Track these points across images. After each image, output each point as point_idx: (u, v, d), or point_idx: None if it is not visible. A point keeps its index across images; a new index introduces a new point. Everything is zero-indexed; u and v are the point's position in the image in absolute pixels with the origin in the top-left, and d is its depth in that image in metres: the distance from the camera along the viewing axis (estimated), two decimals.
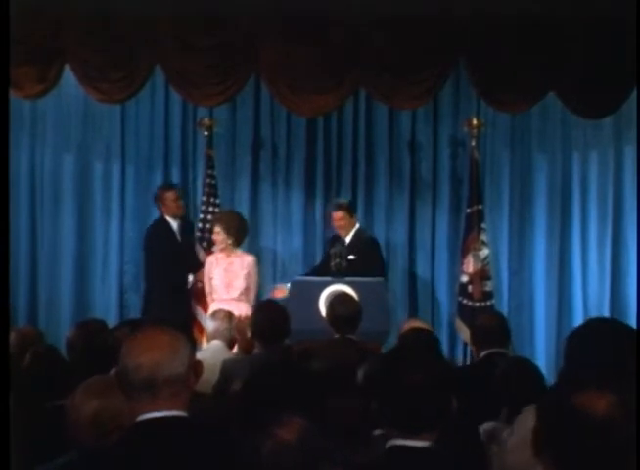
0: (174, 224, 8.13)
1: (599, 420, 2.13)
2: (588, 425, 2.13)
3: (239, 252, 7.81)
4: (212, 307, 7.37)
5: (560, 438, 2.15)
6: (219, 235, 7.75)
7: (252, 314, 5.64)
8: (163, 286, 7.99)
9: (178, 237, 8.14)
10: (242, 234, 7.85)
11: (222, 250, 7.77)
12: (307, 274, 8.00)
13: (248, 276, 7.73)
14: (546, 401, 2.20)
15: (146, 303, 8.17)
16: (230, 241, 7.74)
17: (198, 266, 8.11)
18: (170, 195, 8.10)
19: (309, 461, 2.65)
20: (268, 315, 5.40)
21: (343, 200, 8.21)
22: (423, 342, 4.87)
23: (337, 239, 7.96)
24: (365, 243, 7.87)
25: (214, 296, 7.79)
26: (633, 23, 7.22)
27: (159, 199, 8.18)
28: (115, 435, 2.62)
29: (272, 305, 5.75)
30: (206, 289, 7.87)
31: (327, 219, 8.33)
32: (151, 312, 7.94)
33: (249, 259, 7.80)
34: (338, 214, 7.89)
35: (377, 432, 3.46)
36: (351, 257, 7.62)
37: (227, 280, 7.77)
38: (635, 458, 2.14)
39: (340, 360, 4.37)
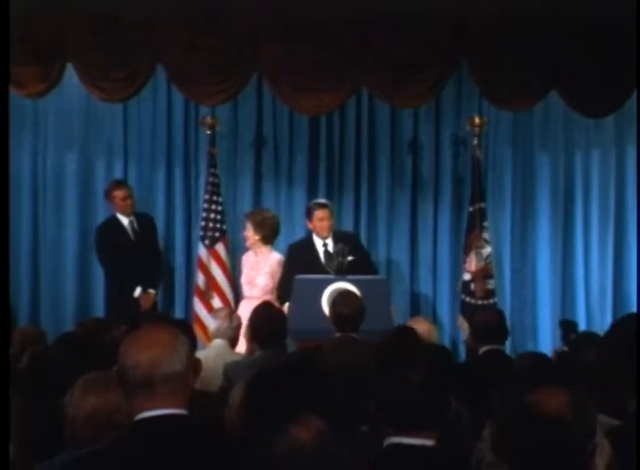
0: (125, 221, 8.05)
1: (550, 417, 2.13)
2: (540, 422, 2.13)
3: (265, 250, 7.81)
4: (241, 306, 7.45)
5: (514, 435, 2.16)
6: (248, 232, 7.79)
7: (250, 318, 5.64)
8: (116, 284, 7.96)
9: (130, 234, 8.05)
10: (271, 232, 7.84)
11: (252, 247, 7.82)
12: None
13: (271, 275, 7.71)
14: (502, 401, 2.22)
15: (105, 301, 8.16)
16: (258, 237, 7.76)
17: (158, 263, 8.14)
18: (119, 193, 8.01)
19: (324, 463, 2.63)
20: (264, 318, 5.41)
21: (325, 200, 8.05)
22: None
23: (308, 242, 7.80)
24: (352, 241, 7.75)
25: (242, 294, 7.85)
26: (634, 22, 7.22)
27: (107, 196, 8.14)
28: (113, 433, 2.62)
29: (268, 307, 5.75)
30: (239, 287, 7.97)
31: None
32: (109, 310, 7.93)
33: (273, 259, 7.78)
34: (326, 212, 7.67)
35: (364, 428, 3.47)
36: (351, 257, 7.53)
37: (249, 279, 7.79)
38: (586, 454, 2.14)
39: (342, 359, 4.36)
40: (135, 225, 8.08)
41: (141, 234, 8.12)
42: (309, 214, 7.75)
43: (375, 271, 7.87)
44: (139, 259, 7.92)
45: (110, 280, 8.07)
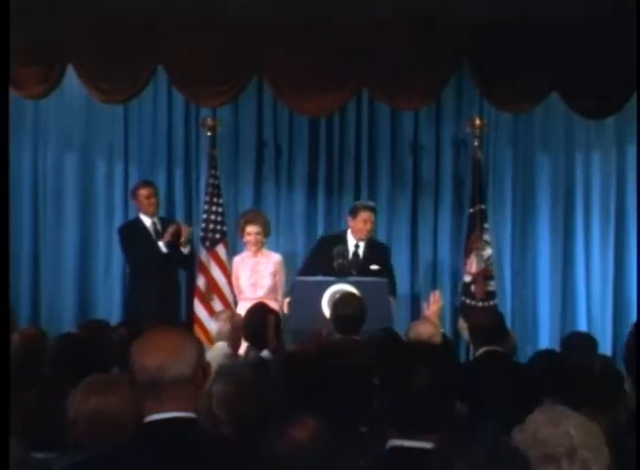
0: (148, 222, 8.03)
1: None
2: None
3: (265, 251, 7.89)
4: (239, 307, 7.40)
5: None
6: (257, 235, 7.79)
7: (244, 318, 5.63)
8: (136, 285, 7.99)
9: (152, 235, 8.01)
10: (269, 231, 8.00)
11: (257, 250, 7.83)
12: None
13: (274, 275, 7.80)
14: None
15: (126, 301, 8.23)
16: (265, 239, 7.85)
17: (180, 264, 8.12)
18: (143, 192, 8.00)
19: (321, 462, 2.63)
20: (258, 319, 5.40)
21: (373, 203, 7.96)
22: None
23: (331, 240, 7.76)
24: (384, 253, 7.73)
25: (241, 296, 7.85)
26: (634, 23, 7.22)
27: (133, 195, 8.14)
28: (114, 435, 2.62)
29: (262, 308, 5.75)
30: (234, 289, 7.95)
31: (345, 217, 7.97)
32: (128, 311, 8.00)
33: (275, 259, 7.88)
34: (372, 216, 7.58)
35: (362, 429, 3.47)
36: (375, 267, 7.48)
37: (253, 280, 7.82)
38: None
39: (343, 361, 4.36)
40: (158, 227, 8.03)
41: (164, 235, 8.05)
42: (354, 213, 7.61)
43: (393, 287, 7.62)
44: (161, 258, 7.89)
45: (132, 279, 8.11)
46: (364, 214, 7.57)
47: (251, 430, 3.06)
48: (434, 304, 6.35)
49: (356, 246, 7.57)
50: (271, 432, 2.80)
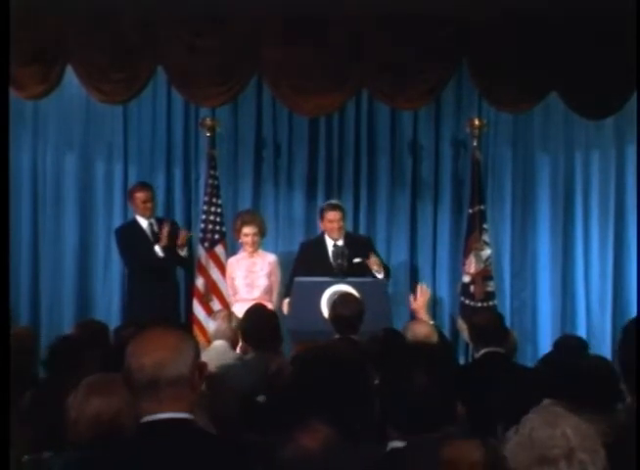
0: (144, 224, 8.02)
1: None
2: None
3: (261, 251, 7.92)
4: (235, 308, 7.38)
5: None
6: (254, 236, 7.81)
7: (242, 320, 5.63)
8: (135, 286, 8.01)
9: (149, 237, 7.99)
10: (265, 233, 8.04)
11: (254, 250, 7.85)
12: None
13: (269, 275, 7.83)
14: None
15: (126, 303, 8.24)
16: (261, 241, 7.89)
17: (177, 264, 8.13)
18: (140, 195, 7.99)
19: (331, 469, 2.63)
20: (256, 321, 5.39)
21: (338, 201, 8.11)
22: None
23: (309, 244, 7.89)
24: (365, 244, 7.82)
25: (237, 297, 7.86)
26: (634, 23, 7.22)
27: (129, 197, 8.14)
28: (115, 435, 2.62)
29: (260, 309, 5.74)
30: (229, 290, 7.96)
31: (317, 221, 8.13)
32: (129, 312, 8.00)
33: (270, 259, 7.91)
34: (336, 214, 7.68)
35: (363, 431, 3.47)
36: (357, 260, 7.54)
37: (249, 281, 7.84)
38: None
39: (341, 361, 4.36)
40: (155, 228, 8.01)
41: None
42: (321, 215, 7.80)
43: (387, 271, 7.76)
44: (158, 261, 7.90)
45: (131, 280, 8.11)
46: (329, 214, 7.69)
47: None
48: (422, 296, 6.33)
49: (334, 245, 7.64)
50: (279, 437, 2.79)
